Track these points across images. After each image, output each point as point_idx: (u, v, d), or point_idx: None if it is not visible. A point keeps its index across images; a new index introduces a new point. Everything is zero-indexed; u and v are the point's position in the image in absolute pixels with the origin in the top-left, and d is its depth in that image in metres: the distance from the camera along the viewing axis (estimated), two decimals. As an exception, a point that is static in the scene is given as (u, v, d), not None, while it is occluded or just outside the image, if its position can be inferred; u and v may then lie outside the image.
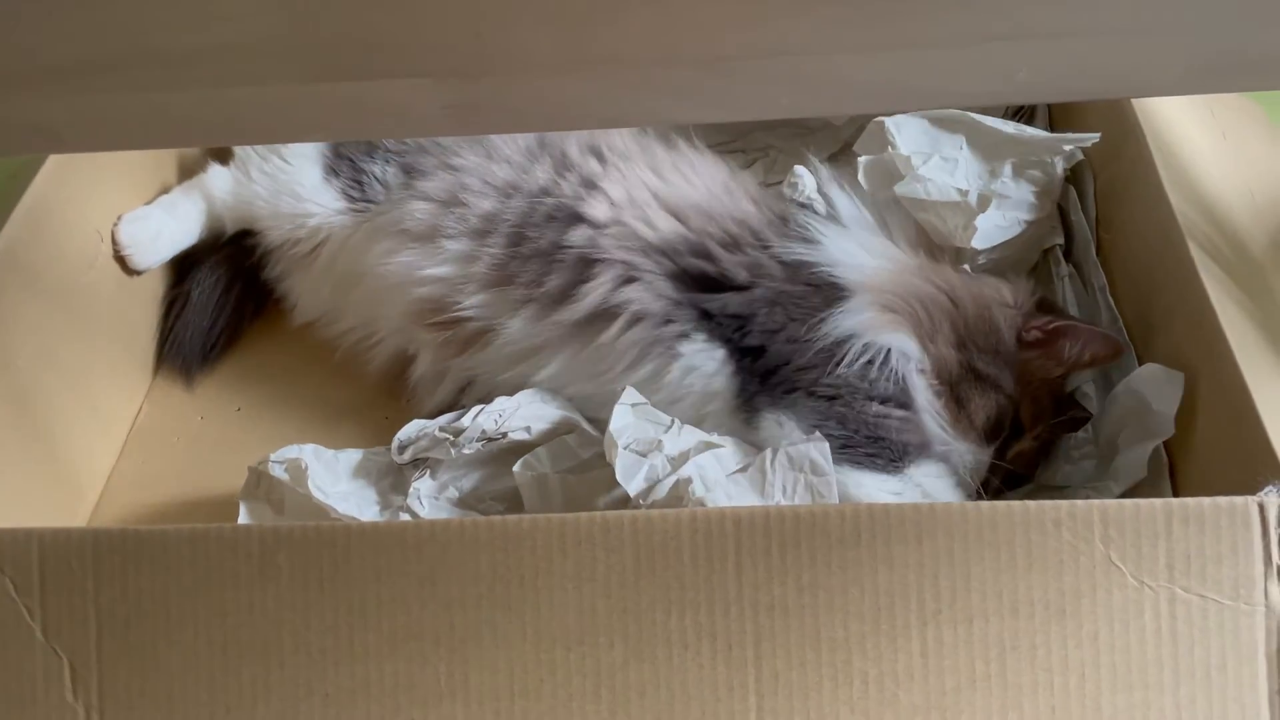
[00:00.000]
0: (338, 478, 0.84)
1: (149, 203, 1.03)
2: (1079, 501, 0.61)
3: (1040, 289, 0.88)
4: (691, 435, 0.79)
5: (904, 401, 0.80)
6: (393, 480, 0.85)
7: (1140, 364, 0.81)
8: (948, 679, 0.61)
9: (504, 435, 0.84)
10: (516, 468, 0.80)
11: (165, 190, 1.05)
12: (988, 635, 0.61)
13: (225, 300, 1.04)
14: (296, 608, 0.64)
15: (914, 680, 0.61)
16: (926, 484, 0.79)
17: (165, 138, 0.57)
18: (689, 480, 0.73)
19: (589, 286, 0.85)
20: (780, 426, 0.80)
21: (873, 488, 0.77)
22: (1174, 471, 0.75)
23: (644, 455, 0.77)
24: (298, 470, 0.81)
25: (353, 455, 0.85)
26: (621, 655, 0.63)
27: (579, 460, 0.82)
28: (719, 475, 0.75)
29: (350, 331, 1.00)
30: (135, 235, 0.99)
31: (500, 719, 0.63)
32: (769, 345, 0.82)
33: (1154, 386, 0.76)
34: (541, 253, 0.87)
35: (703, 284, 0.85)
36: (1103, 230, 0.91)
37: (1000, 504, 0.62)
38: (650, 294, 0.84)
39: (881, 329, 0.81)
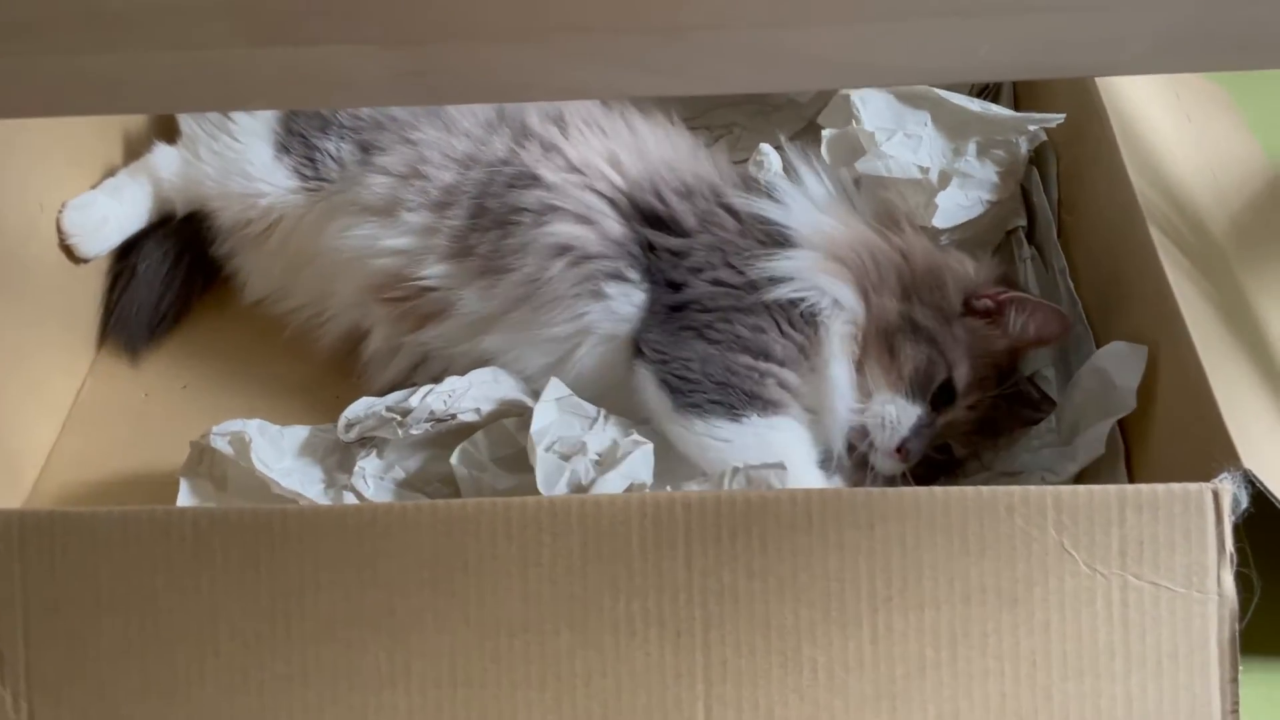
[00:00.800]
0: (282, 454, 0.81)
1: (94, 187, 0.99)
2: (1032, 487, 0.60)
3: (1006, 268, 0.87)
4: (618, 426, 0.79)
5: (805, 352, 0.80)
6: (339, 458, 0.83)
7: (1098, 346, 0.80)
8: (898, 666, 0.60)
9: (453, 416, 0.82)
10: (454, 458, 0.79)
11: (110, 165, 1.02)
12: (939, 622, 0.60)
13: (173, 275, 1.01)
14: (232, 593, 0.62)
15: (864, 668, 0.61)
16: (767, 434, 0.77)
17: (89, 103, 0.54)
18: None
19: (541, 232, 0.84)
20: (642, 371, 0.80)
21: (702, 431, 0.77)
22: (1129, 453, 0.74)
23: (567, 459, 0.76)
24: (241, 444, 0.79)
25: (299, 432, 0.83)
26: (568, 642, 0.61)
27: (518, 447, 0.80)
28: (648, 478, 0.75)
29: (301, 308, 0.97)
30: (80, 223, 0.96)
31: (443, 707, 0.61)
32: (689, 282, 0.82)
33: (1117, 362, 0.75)
34: (500, 221, 0.86)
35: (652, 221, 0.85)
36: (1065, 212, 0.90)
37: (953, 489, 0.61)
38: (597, 235, 0.84)
39: (821, 274, 0.81)
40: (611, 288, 0.83)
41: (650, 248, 0.85)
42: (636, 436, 0.77)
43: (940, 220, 0.87)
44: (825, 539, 0.61)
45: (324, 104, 0.85)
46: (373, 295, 0.91)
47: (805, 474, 0.75)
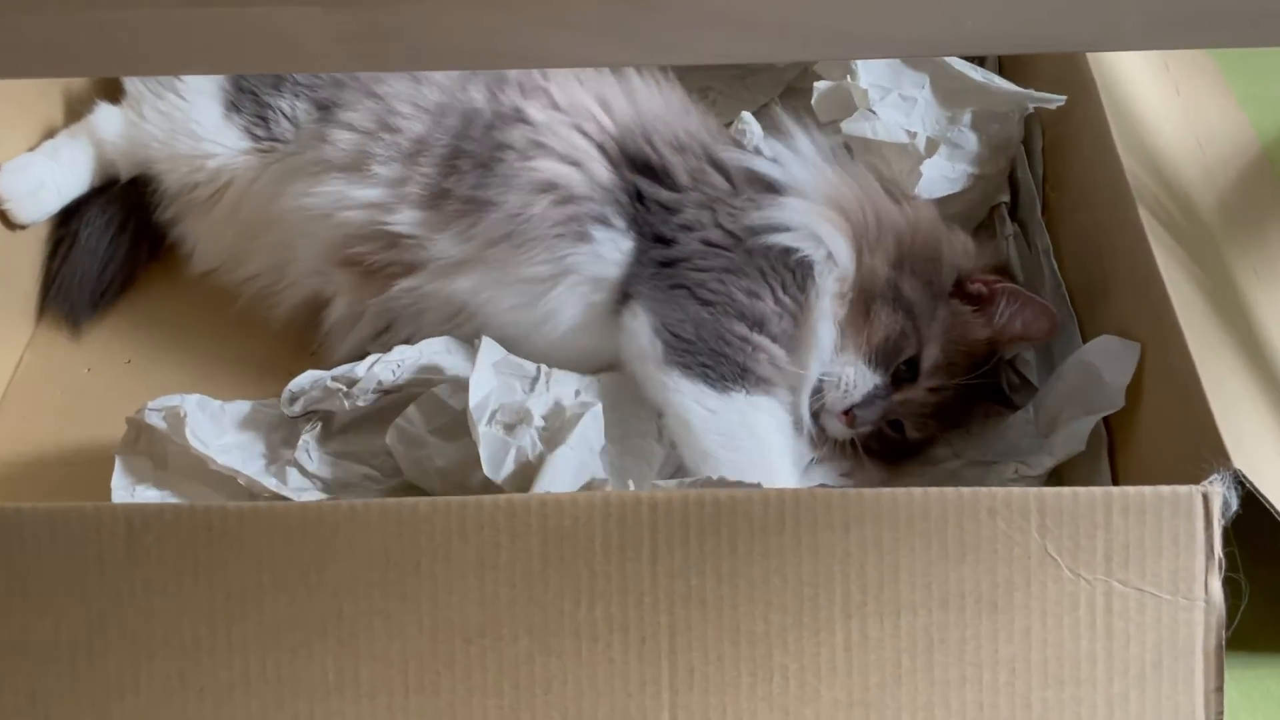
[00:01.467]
0: (223, 430, 0.77)
1: (33, 149, 0.94)
2: (1015, 489, 0.58)
3: (1006, 259, 0.84)
4: (561, 383, 0.76)
5: (796, 319, 0.77)
6: (284, 434, 0.79)
7: (1083, 333, 0.77)
8: (871, 674, 0.58)
9: (400, 388, 0.78)
10: (390, 437, 0.75)
11: (50, 126, 0.96)
12: (915, 628, 0.58)
13: (117, 242, 0.95)
14: (168, 594, 0.58)
15: (836, 675, 0.58)
16: (751, 414, 0.75)
17: (21, 66, 0.50)
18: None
19: (525, 167, 0.81)
20: (635, 318, 0.78)
21: (689, 395, 0.75)
22: (1113, 449, 0.71)
23: (511, 430, 0.72)
24: (176, 419, 0.75)
25: (241, 406, 0.79)
26: (526, 648, 0.58)
27: (454, 414, 0.76)
28: (598, 441, 0.72)
29: (256, 278, 0.93)
30: (16, 187, 0.90)
31: (394, 715, 0.58)
32: (679, 239, 0.80)
33: (1107, 357, 0.72)
34: (481, 162, 0.82)
35: (642, 169, 0.82)
36: (1050, 188, 0.87)
37: (933, 491, 0.58)
38: (583, 177, 0.81)
39: (821, 220, 0.78)
40: (598, 231, 0.80)
41: (639, 198, 0.81)
42: (584, 397, 0.74)
43: (924, 190, 0.84)
44: (799, 542, 0.58)
45: (265, 68, 0.80)
46: (336, 258, 0.86)
47: (780, 468, 0.72)
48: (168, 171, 0.92)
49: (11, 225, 0.91)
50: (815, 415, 0.78)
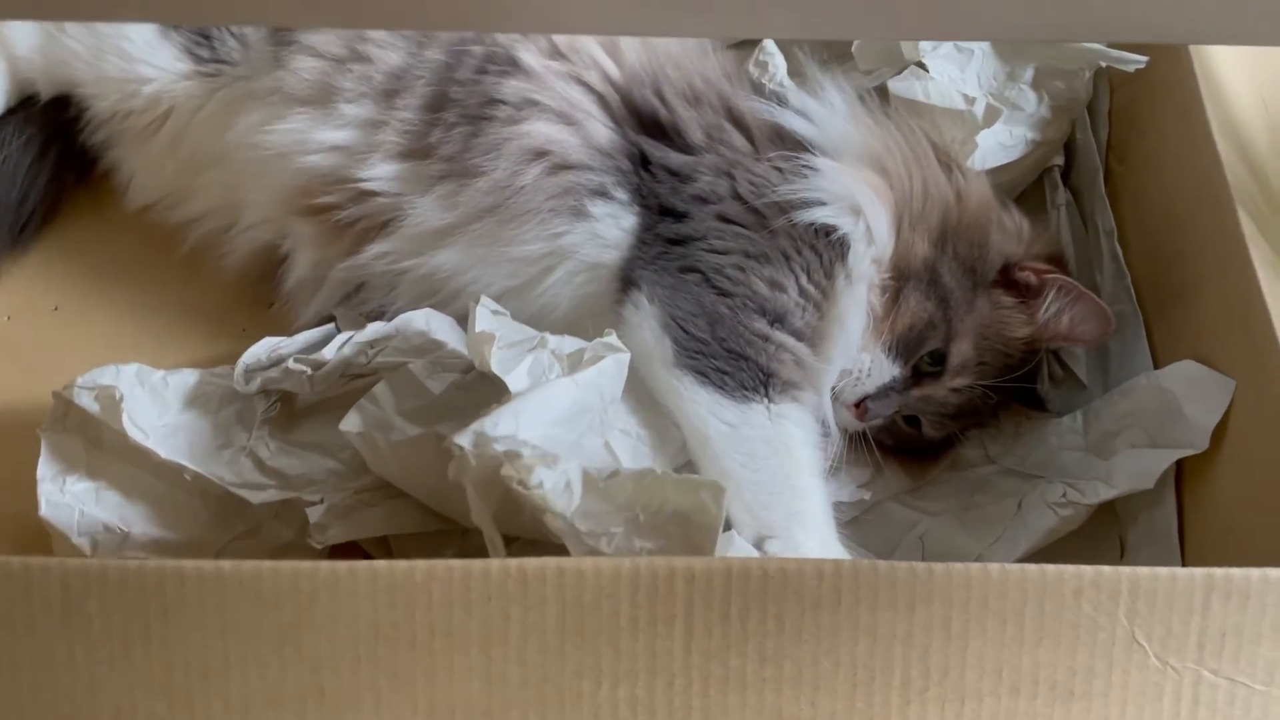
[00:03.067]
0: (166, 407, 0.68)
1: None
2: (1106, 568, 0.50)
3: (1062, 250, 0.74)
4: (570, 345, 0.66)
5: (821, 309, 0.68)
6: (238, 409, 0.69)
7: (1148, 339, 0.69)
8: (928, 765, 0.51)
9: (373, 371, 0.68)
10: (347, 423, 0.64)
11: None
12: (979, 717, 0.51)
13: (38, 168, 0.83)
14: (116, 665, 0.50)
15: (888, 765, 0.51)
16: (774, 429, 0.66)
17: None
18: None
19: (516, 131, 0.70)
20: (638, 310, 0.68)
21: (704, 407, 0.66)
22: (1180, 490, 0.64)
23: (526, 349, 0.63)
24: (111, 402, 0.65)
25: (186, 378, 0.69)
26: (537, 731, 0.51)
27: (429, 398, 0.67)
28: (616, 392, 0.63)
29: (202, 219, 0.81)
30: None
31: (383, 801, 0.51)
32: (694, 212, 0.70)
33: (1191, 388, 0.64)
34: (470, 116, 0.71)
35: (650, 129, 0.72)
36: (1114, 160, 0.77)
37: (1013, 568, 0.50)
38: (579, 140, 0.71)
39: (857, 191, 0.69)
40: (596, 206, 0.70)
41: (645, 163, 0.71)
42: (612, 340, 0.64)
43: (979, 161, 0.74)
44: (855, 621, 0.50)
45: (215, 20, 0.67)
46: (297, 205, 0.75)
47: (809, 487, 0.64)
48: (96, 96, 0.79)
49: (-91, 154, 0.79)
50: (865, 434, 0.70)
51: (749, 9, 0.43)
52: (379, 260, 0.74)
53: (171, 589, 0.49)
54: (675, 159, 0.71)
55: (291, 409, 0.70)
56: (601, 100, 0.72)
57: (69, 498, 0.65)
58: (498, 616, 0.50)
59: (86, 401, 0.65)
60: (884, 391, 0.70)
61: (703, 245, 0.69)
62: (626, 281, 0.70)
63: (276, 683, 0.50)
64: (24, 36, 0.79)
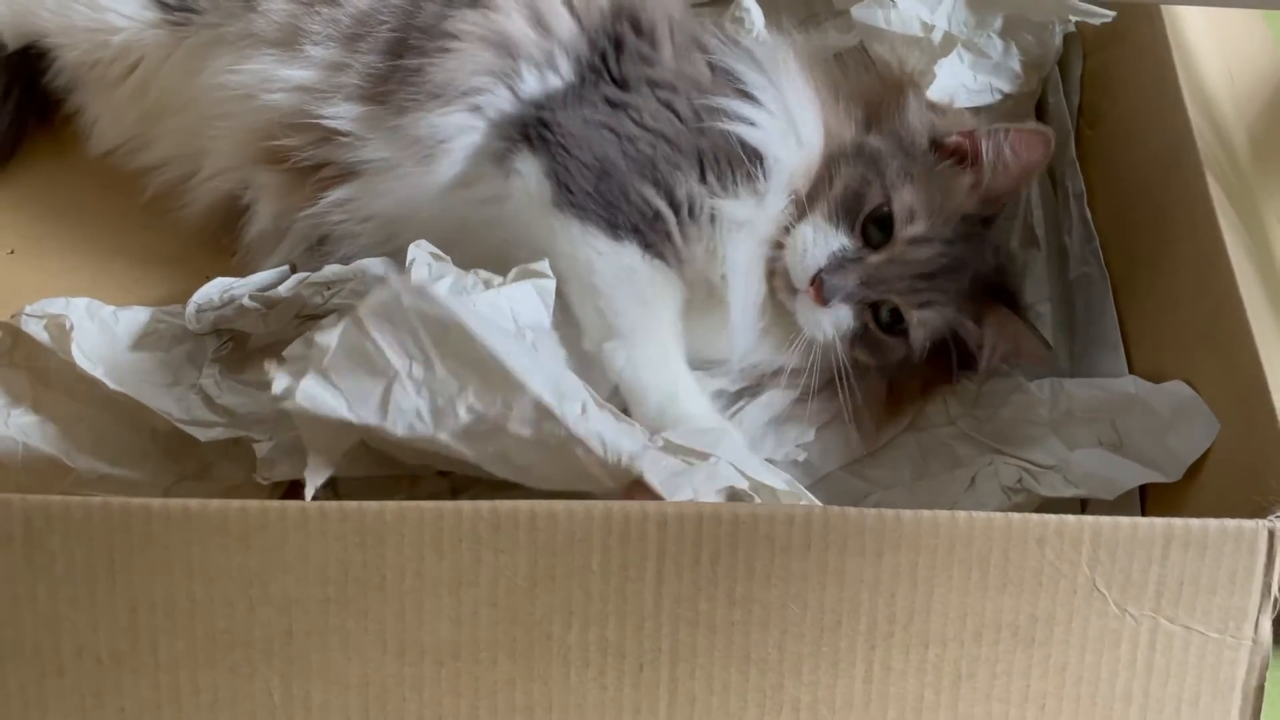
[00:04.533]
0: (116, 342, 0.66)
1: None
2: (1069, 517, 0.51)
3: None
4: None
5: (712, 202, 0.68)
6: (190, 349, 0.68)
7: (1116, 299, 0.69)
8: (891, 708, 0.52)
9: (330, 312, 0.67)
10: (270, 366, 0.58)
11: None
12: (943, 661, 0.52)
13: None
14: (79, 604, 0.49)
15: (852, 709, 0.52)
16: (645, 270, 0.66)
17: None
18: None
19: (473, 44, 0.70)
20: (525, 162, 0.68)
21: (579, 236, 0.66)
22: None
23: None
24: (59, 331, 0.63)
25: (138, 314, 0.68)
26: (507, 672, 0.51)
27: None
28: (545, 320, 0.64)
29: (165, 165, 0.79)
30: None
31: (351, 741, 0.51)
32: (641, 89, 0.71)
33: (1178, 417, 0.62)
34: (425, 51, 0.70)
35: (632, 24, 0.73)
36: (1085, 124, 0.77)
37: (980, 515, 0.51)
38: (540, 35, 0.71)
39: (797, 116, 0.69)
40: (529, 72, 0.70)
41: (619, 46, 0.71)
42: (540, 265, 0.64)
43: (937, 91, 0.73)
44: (824, 565, 0.51)
45: None
46: (258, 150, 0.73)
47: (661, 334, 0.66)
48: (65, 46, 0.77)
49: None
50: (779, 297, 0.69)
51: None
52: (339, 208, 0.72)
53: (137, 526, 0.48)
54: (648, 50, 0.71)
55: (243, 350, 0.69)
56: (570, 7, 0.72)
57: (13, 430, 0.63)
58: (469, 559, 0.50)
59: (35, 329, 0.64)
60: (838, 263, 0.66)
61: (632, 114, 0.69)
62: (518, 139, 0.69)
63: (244, 623, 0.49)
64: (-15, -13, 0.76)
